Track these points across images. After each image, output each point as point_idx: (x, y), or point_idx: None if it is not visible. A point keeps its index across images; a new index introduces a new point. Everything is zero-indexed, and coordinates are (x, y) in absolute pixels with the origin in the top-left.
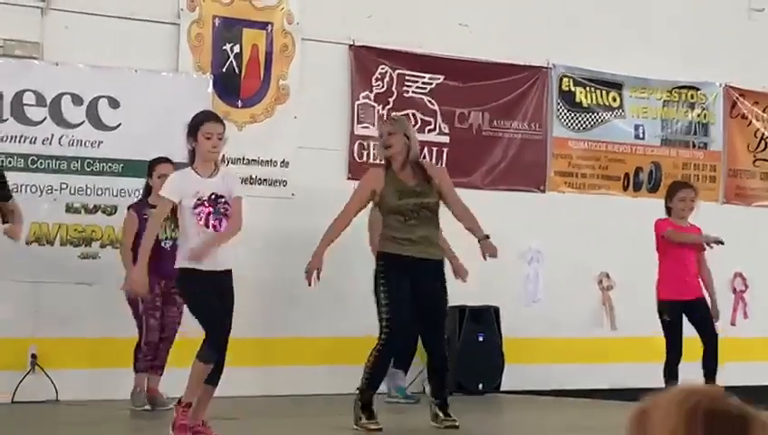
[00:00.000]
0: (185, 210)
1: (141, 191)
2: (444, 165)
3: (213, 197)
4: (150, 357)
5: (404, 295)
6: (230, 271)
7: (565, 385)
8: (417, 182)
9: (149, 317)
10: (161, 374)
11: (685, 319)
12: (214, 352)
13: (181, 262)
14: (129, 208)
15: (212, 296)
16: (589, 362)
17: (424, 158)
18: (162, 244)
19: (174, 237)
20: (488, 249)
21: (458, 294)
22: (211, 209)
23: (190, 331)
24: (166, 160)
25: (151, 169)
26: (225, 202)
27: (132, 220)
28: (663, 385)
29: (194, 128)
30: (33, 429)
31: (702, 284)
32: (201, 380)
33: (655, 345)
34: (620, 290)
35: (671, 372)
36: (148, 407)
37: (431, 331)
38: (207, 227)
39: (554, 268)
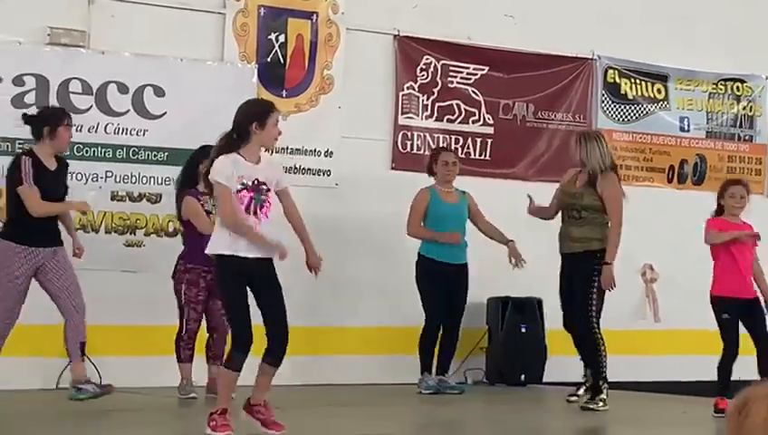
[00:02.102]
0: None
1: (179, 179)
2: (488, 157)
3: (256, 182)
4: (190, 347)
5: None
6: (269, 259)
7: (608, 377)
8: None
9: (190, 309)
10: (220, 364)
11: None
12: (241, 356)
13: (218, 248)
14: (187, 195)
15: (244, 296)
16: (632, 354)
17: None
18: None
19: None
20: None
21: (502, 285)
22: (252, 194)
23: None
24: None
25: (200, 157)
26: (267, 189)
27: (195, 203)
28: (716, 380)
29: (262, 114)
30: (77, 415)
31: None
32: (230, 388)
33: (699, 338)
34: (664, 282)
35: (727, 370)
36: (193, 395)
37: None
38: (248, 212)
39: None
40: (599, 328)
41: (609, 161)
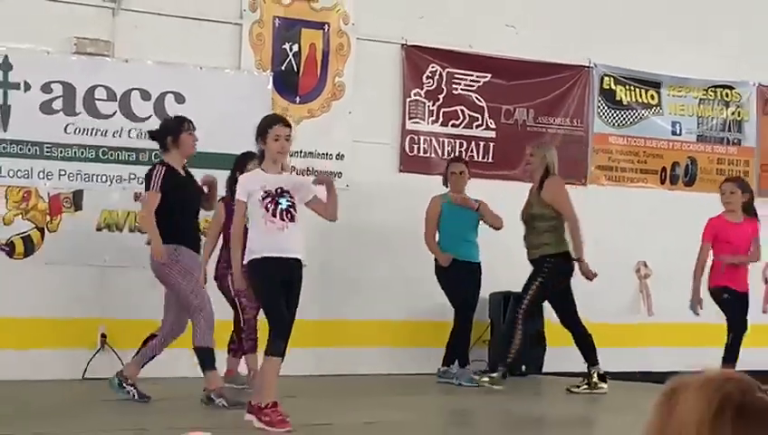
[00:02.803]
0: (254, 203)
1: (226, 184)
2: (490, 160)
3: (279, 190)
4: (253, 337)
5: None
6: (299, 260)
7: (604, 368)
8: None
9: (243, 300)
10: (241, 356)
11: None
12: (281, 344)
13: (250, 255)
14: (219, 200)
15: (278, 290)
16: (627, 346)
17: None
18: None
19: None
20: None
21: (504, 281)
22: (277, 200)
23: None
24: (254, 156)
25: (243, 163)
26: (291, 196)
27: (220, 213)
28: (723, 359)
29: (263, 130)
30: (102, 403)
31: None
32: (276, 374)
33: (690, 331)
34: (657, 278)
35: (735, 350)
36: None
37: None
38: (275, 217)
39: (594, 257)
40: (522, 320)
41: (552, 168)
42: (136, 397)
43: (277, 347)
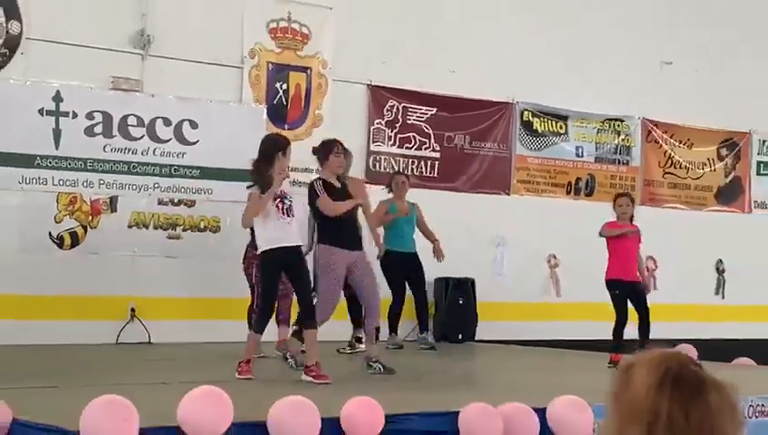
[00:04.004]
0: (270, 204)
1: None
2: (436, 175)
3: (283, 193)
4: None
5: None
6: (300, 246)
7: (522, 337)
8: None
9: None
10: (288, 326)
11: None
12: (262, 326)
13: (266, 244)
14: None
15: (277, 281)
16: (540, 320)
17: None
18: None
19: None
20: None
21: (444, 268)
22: (282, 201)
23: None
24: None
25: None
26: (290, 199)
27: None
28: (611, 340)
29: (284, 147)
30: (130, 362)
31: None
32: (256, 346)
33: (589, 308)
34: (564, 267)
35: (619, 333)
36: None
37: None
38: (282, 212)
39: (515, 251)
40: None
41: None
42: (382, 370)
43: (258, 326)
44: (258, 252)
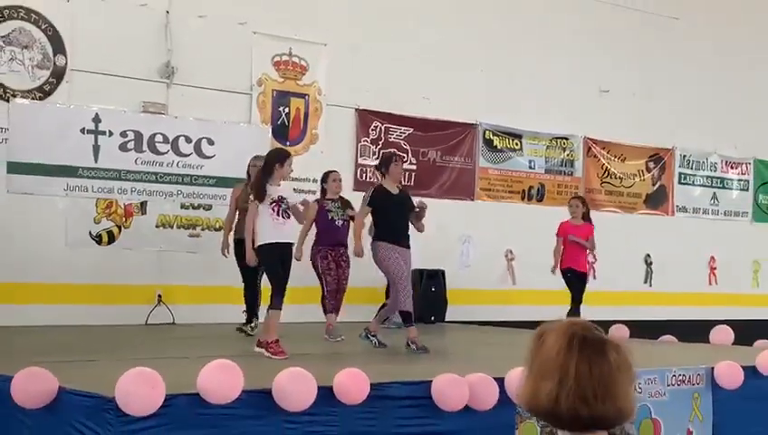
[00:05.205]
0: (266, 207)
1: (318, 192)
2: (412, 184)
3: (279, 198)
4: (333, 302)
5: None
6: (292, 243)
7: (484, 318)
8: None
9: (326, 275)
10: (337, 314)
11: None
12: (281, 301)
13: (262, 240)
14: (314, 201)
15: (279, 265)
16: (499, 304)
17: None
18: (335, 222)
19: (343, 217)
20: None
21: (419, 261)
22: (279, 205)
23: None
24: (334, 171)
25: (325, 177)
26: (286, 202)
27: (314, 208)
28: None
29: (282, 159)
30: (158, 341)
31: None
32: (277, 323)
33: (540, 294)
34: (518, 260)
35: (574, 311)
36: (341, 338)
37: None
38: (278, 215)
39: (479, 247)
40: None
41: None
42: (377, 345)
43: (279, 304)
44: (256, 246)
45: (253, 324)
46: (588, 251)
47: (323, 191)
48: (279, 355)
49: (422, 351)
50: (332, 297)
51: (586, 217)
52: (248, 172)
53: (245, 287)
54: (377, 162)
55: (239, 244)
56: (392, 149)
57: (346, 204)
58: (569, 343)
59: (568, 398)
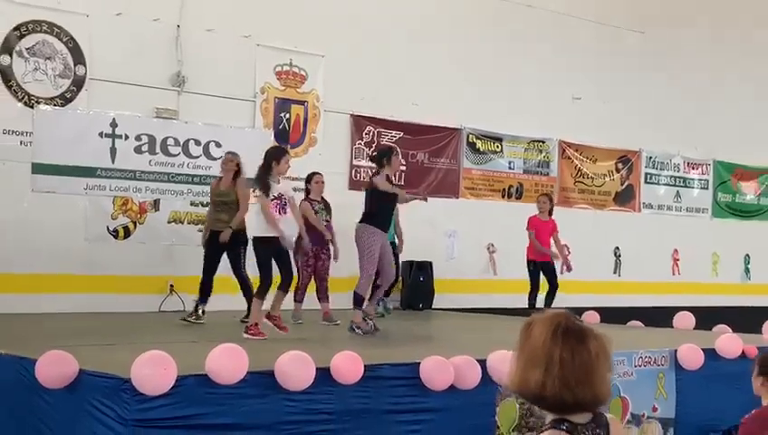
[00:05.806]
0: (266, 201)
1: (303, 192)
2: (403, 183)
3: (278, 194)
4: (302, 292)
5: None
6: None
7: (468, 305)
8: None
9: (304, 270)
10: (327, 301)
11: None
12: (265, 293)
13: (259, 233)
14: (302, 201)
15: (270, 260)
16: (481, 292)
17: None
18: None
19: (326, 219)
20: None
21: (409, 253)
22: (277, 202)
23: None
24: (318, 173)
25: (310, 178)
26: (284, 200)
27: (307, 207)
28: (527, 307)
29: (278, 157)
30: (170, 326)
31: (555, 251)
32: (260, 309)
33: (519, 283)
34: (499, 252)
35: (533, 300)
36: (300, 321)
37: None
38: (277, 210)
39: (463, 240)
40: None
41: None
42: (372, 328)
43: (263, 294)
44: (253, 237)
45: (200, 312)
46: (553, 245)
47: (308, 191)
48: (258, 335)
49: (369, 333)
50: (304, 290)
51: (551, 213)
52: (222, 166)
53: (204, 274)
54: (374, 154)
55: (214, 235)
56: (389, 145)
57: (327, 206)
58: (553, 333)
59: (554, 384)
